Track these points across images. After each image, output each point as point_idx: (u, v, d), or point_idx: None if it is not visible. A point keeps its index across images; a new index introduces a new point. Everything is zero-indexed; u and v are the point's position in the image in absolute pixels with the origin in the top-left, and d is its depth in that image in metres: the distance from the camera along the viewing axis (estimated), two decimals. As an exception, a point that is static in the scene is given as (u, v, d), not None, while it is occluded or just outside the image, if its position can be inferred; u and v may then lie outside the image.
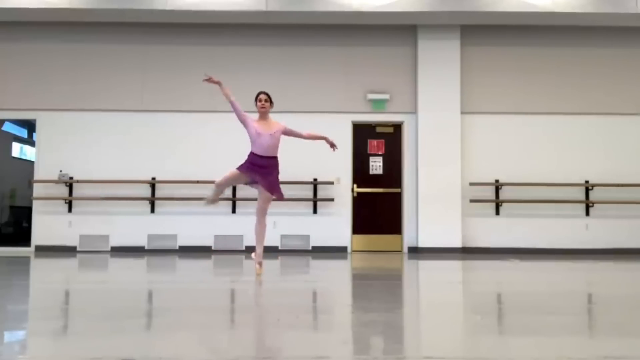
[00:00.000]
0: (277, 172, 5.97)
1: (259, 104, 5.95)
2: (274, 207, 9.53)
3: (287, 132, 6.03)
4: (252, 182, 6.00)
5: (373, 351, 2.92)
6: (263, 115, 5.96)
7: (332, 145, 6.26)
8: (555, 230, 9.81)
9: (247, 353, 2.86)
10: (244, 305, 4.39)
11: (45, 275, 6.80)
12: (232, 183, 6.24)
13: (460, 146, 9.86)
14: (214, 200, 6.33)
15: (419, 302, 4.84)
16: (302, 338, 3.15)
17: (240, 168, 5.87)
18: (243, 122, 5.92)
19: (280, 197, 6.02)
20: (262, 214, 6.03)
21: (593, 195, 9.87)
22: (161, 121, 9.96)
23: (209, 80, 6.01)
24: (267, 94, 5.98)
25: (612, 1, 9.37)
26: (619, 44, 10.12)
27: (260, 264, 6.03)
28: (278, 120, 6.11)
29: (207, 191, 6.22)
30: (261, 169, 5.82)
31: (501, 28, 10.03)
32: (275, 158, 5.94)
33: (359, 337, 3.22)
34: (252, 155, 5.90)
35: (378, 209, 10.06)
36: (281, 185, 6.01)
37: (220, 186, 6.09)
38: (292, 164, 9.78)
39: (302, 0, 9.42)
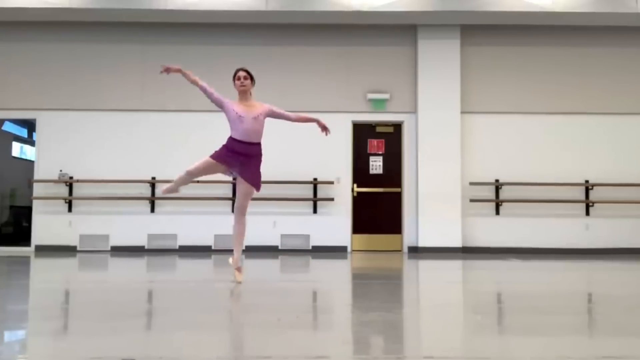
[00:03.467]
0: (259, 162, 5.31)
1: (237, 82, 5.31)
2: (274, 207, 9.60)
3: (273, 114, 5.38)
4: (229, 173, 5.37)
5: (373, 351, 2.92)
6: (243, 95, 5.31)
7: (325, 129, 5.54)
8: (555, 230, 9.81)
9: (247, 353, 2.86)
10: (243, 305, 4.39)
11: (45, 275, 6.80)
12: (204, 173, 5.33)
13: (460, 146, 9.86)
14: (173, 189, 5.48)
15: (419, 302, 4.84)
16: (302, 338, 3.15)
17: (215, 157, 5.18)
18: (220, 105, 5.30)
19: (257, 189, 5.34)
20: (241, 212, 5.33)
21: (593, 195, 9.87)
22: (161, 121, 9.96)
23: (168, 70, 5.40)
24: (246, 71, 5.35)
25: (612, 1, 9.36)
26: (619, 44, 10.12)
27: (239, 269, 5.34)
28: (262, 102, 5.48)
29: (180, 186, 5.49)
30: (241, 157, 5.17)
31: (501, 28, 10.03)
32: (258, 145, 5.27)
33: (359, 337, 3.22)
34: (231, 140, 5.23)
35: (378, 208, 10.06)
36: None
37: (191, 174, 5.31)
38: (292, 163, 9.82)
39: (302, 0, 9.42)
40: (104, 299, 4.59)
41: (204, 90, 5.35)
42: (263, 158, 5.35)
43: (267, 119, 5.39)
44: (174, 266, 7.64)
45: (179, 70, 5.42)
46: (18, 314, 3.91)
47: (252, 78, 5.37)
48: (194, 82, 5.39)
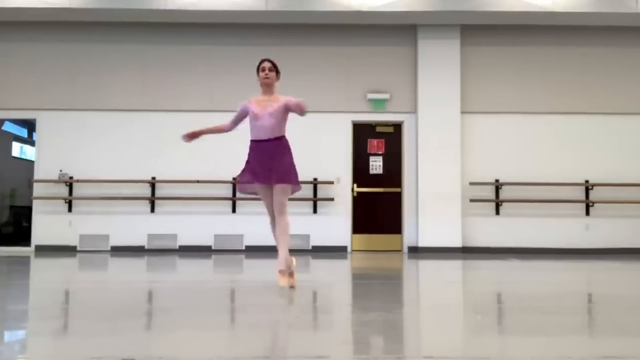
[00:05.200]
0: (290, 157, 4.87)
1: (262, 74, 4.92)
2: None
3: (290, 107, 4.90)
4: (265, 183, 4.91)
5: (373, 351, 2.92)
6: (267, 89, 4.94)
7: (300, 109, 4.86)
8: (555, 230, 9.81)
9: (247, 353, 2.86)
10: (243, 305, 4.39)
11: (45, 275, 6.80)
12: (264, 199, 4.97)
13: (460, 146, 9.86)
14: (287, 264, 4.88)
15: (419, 302, 4.84)
16: (302, 338, 3.15)
17: (244, 183, 4.88)
18: (243, 116, 5.00)
19: (297, 187, 4.97)
20: (280, 210, 4.86)
21: (593, 195, 9.87)
22: (161, 121, 9.96)
23: (190, 138, 5.09)
24: (271, 62, 4.94)
25: (612, 1, 9.37)
26: (619, 44, 10.12)
27: (282, 272, 4.84)
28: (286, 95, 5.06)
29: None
30: (268, 160, 4.79)
31: (501, 28, 10.04)
32: (281, 139, 4.86)
33: (359, 337, 3.22)
34: (251, 145, 4.92)
35: (378, 208, 10.06)
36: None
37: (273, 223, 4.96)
38: (292, 163, 9.81)
39: (302, 0, 9.42)
40: (104, 299, 4.59)
41: (235, 124, 5.06)
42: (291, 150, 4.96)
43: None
44: (174, 266, 7.64)
45: (199, 134, 5.10)
46: (18, 314, 3.91)
47: (277, 70, 4.96)
48: (222, 130, 5.12)
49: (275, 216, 4.93)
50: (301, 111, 4.82)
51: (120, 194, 9.82)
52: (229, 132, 5.23)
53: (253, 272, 6.06)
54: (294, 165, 4.91)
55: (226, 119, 5.26)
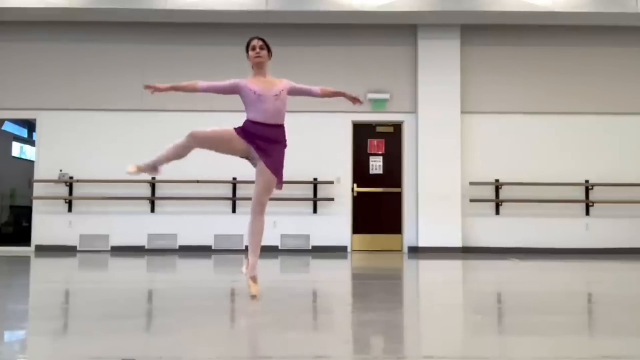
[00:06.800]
0: (283, 150, 4.41)
1: (251, 52, 4.59)
2: (274, 206, 9.58)
3: (295, 91, 4.63)
4: (247, 157, 4.45)
5: (373, 351, 2.92)
6: (259, 69, 4.60)
7: (355, 100, 4.71)
8: (555, 230, 9.81)
9: (247, 353, 2.86)
10: (243, 305, 4.39)
11: (45, 275, 6.80)
12: (212, 145, 4.45)
13: (460, 146, 9.86)
14: (155, 166, 4.59)
15: (419, 302, 4.84)
16: (302, 338, 3.15)
17: (237, 130, 4.30)
18: (235, 89, 4.51)
19: (279, 186, 4.47)
20: (260, 210, 4.41)
21: (593, 195, 9.87)
22: (161, 121, 9.96)
23: (156, 89, 4.70)
24: (262, 39, 4.63)
25: (612, 1, 9.37)
26: (619, 44, 10.12)
27: (254, 279, 4.36)
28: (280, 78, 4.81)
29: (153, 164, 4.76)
30: (264, 143, 4.28)
31: (501, 28, 10.03)
32: (281, 127, 4.40)
33: (359, 337, 3.22)
34: (249, 123, 4.33)
35: (378, 208, 10.06)
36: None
37: (195, 140, 4.45)
38: (292, 163, 9.75)
39: (302, 0, 9.42)
40: (104, 299, 4.59)
41: (211, 90, 4.62)
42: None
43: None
44: (174, 266, 7.64)
45: (171, 88, 4.68)
46: (18, 314, 3.91)
47: (268, 48, 4.64)
48: (193, 89, 4.71)
49: (253, 213, 4.43)
50: (355, 100, 4.69)
51: (120, 194, 9.81)
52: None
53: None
54: (283, 161, 4.48)
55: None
